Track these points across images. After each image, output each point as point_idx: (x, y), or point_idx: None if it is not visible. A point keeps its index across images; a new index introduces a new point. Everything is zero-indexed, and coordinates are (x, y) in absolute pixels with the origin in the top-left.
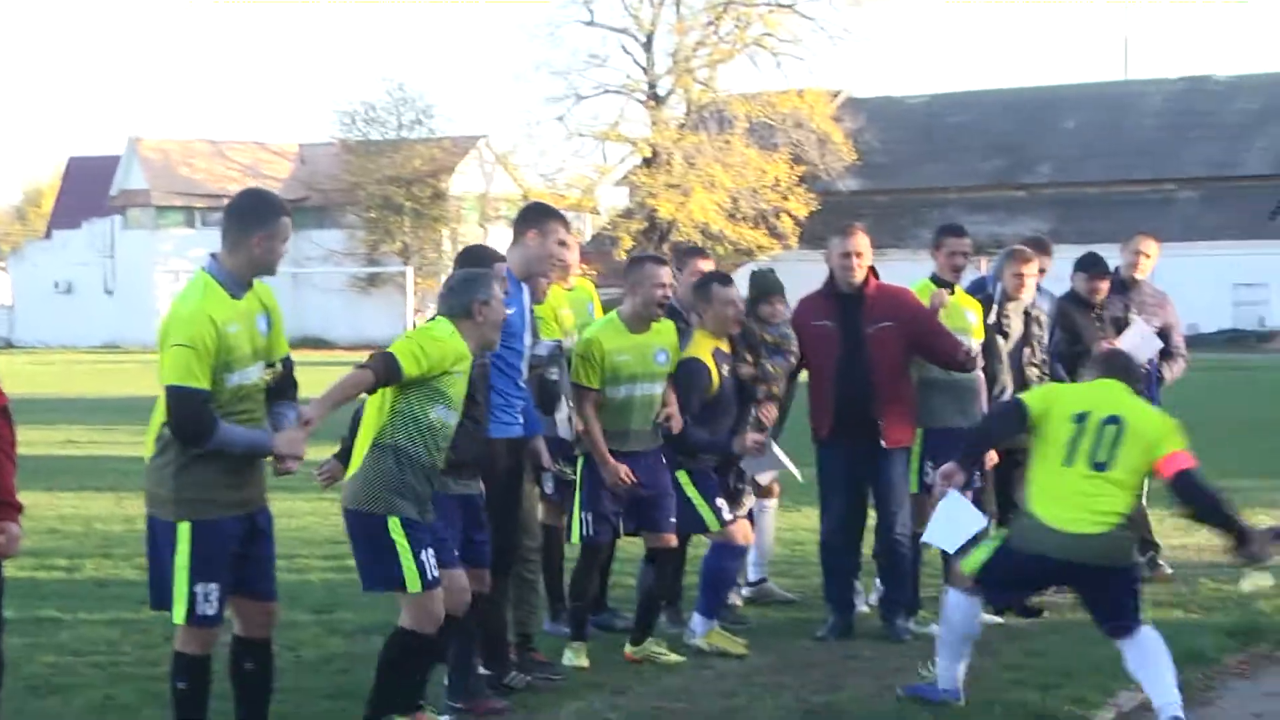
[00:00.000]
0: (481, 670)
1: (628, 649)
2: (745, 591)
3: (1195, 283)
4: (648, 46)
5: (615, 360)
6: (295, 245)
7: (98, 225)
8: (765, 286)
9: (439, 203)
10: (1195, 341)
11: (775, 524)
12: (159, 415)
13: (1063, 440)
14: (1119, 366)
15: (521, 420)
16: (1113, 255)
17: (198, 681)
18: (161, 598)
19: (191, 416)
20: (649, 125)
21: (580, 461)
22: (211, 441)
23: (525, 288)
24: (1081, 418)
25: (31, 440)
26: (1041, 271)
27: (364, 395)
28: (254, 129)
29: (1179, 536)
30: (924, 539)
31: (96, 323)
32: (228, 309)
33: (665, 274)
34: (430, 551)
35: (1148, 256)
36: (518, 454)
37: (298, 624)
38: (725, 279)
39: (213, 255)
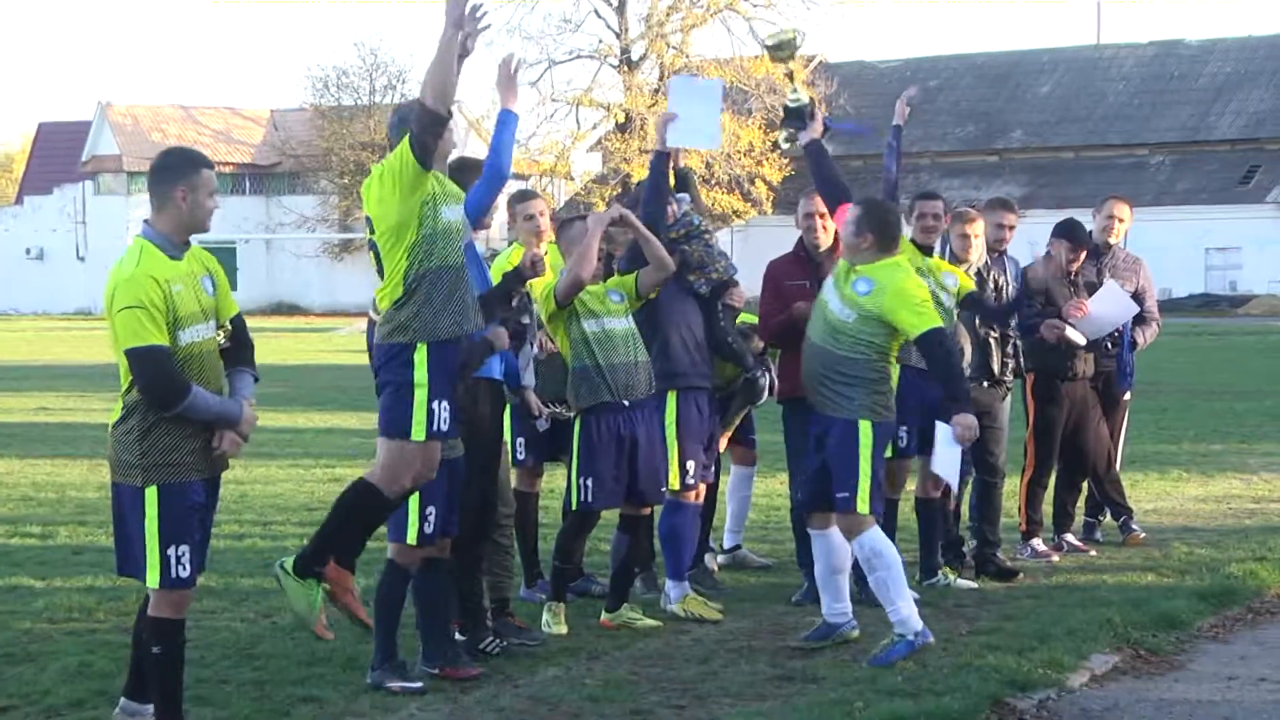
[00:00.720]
0: (457, 636)
1: (604, 616)
2: (721, 558)
3: (1168, 247)
4: (620, 11)
5: (575, 301)
6: (268, 211)
7: (69, 191)
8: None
9: None
10: (1168, 306)
11: (752, 490)
12: (125, 383)
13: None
14: (891, 225)
15: (501, 364)
16: (1086, 220)
17: (172, 645)
18: (129, 564)
19: (161, 375)
20: (622, 90)
21: (576, 426)
22: (185, 403)
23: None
24: None
25: (5, 407)
26: (1010, 228)
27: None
28: (225, 94)
29: (1151, 501)
30: (941, 473)
31: (69, 289)
32: (168, 269)
33: None
34: (444, 404)
35: (1121, 221)
36: (497, 399)
37: (272, 591)
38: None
39: (146, 221)
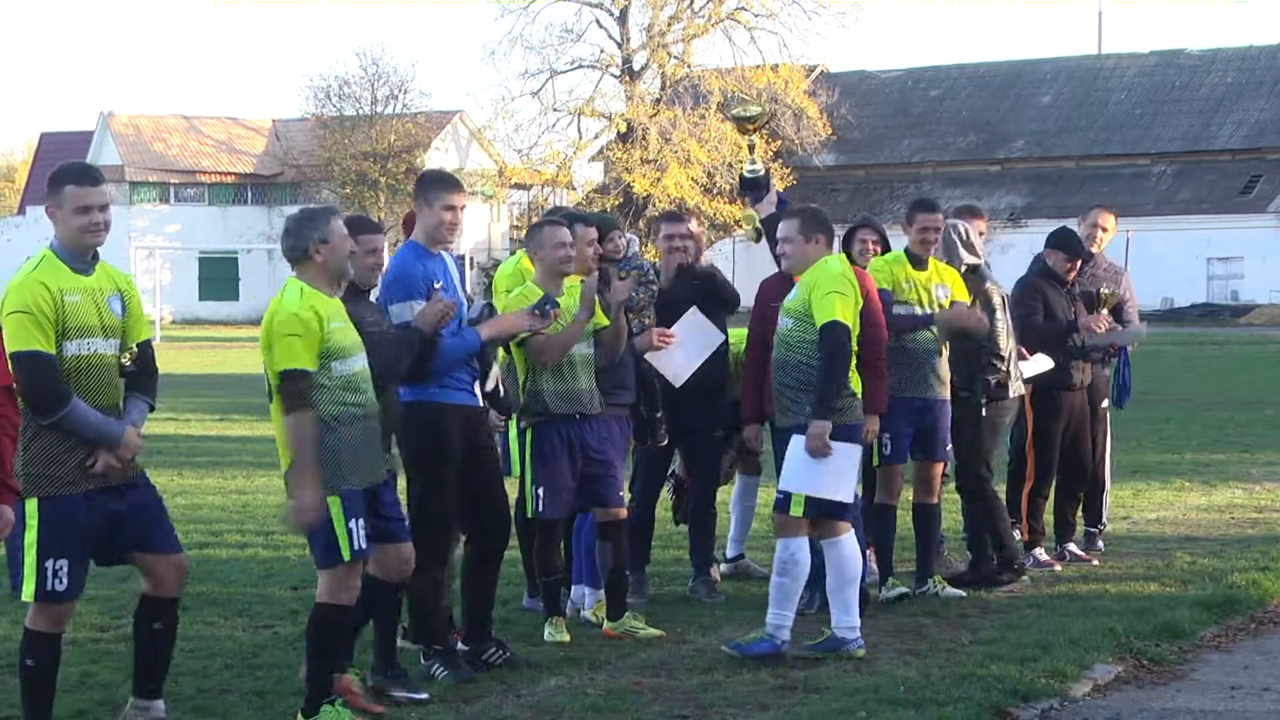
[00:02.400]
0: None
1: (606, 625)
2: (724, 568)
3: (1170, 257)
4: (622, 21)
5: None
6: (270, 221)
7: None
8: (599, 225)
9: (414, 178)
10: (1169, 316)
11: (756, 500)
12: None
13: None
14: (826, 220)
15: (476, 389)
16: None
17: (47, 658)
18: (15, 576)
19: (42, 380)
20: (624, 100)
21: (528, 435)
22: (63, 412)
23: (442, 256)
24: None
25: None
26: (979, 234)
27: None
28: (227, 104)
29: (1154, 511)
30: (793, 490)
31: None
32: (66, 279)
33: (564, 234)
34: (360, 521)
35: (1105, 230)
36: (480, 424)
37: (274, 600)
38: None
39: (56, 236)
